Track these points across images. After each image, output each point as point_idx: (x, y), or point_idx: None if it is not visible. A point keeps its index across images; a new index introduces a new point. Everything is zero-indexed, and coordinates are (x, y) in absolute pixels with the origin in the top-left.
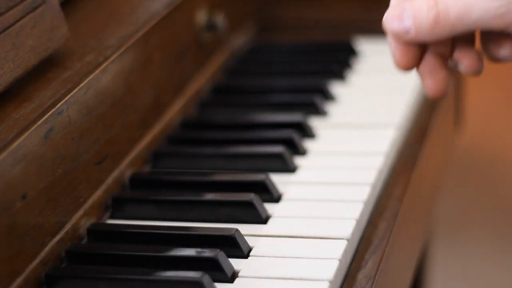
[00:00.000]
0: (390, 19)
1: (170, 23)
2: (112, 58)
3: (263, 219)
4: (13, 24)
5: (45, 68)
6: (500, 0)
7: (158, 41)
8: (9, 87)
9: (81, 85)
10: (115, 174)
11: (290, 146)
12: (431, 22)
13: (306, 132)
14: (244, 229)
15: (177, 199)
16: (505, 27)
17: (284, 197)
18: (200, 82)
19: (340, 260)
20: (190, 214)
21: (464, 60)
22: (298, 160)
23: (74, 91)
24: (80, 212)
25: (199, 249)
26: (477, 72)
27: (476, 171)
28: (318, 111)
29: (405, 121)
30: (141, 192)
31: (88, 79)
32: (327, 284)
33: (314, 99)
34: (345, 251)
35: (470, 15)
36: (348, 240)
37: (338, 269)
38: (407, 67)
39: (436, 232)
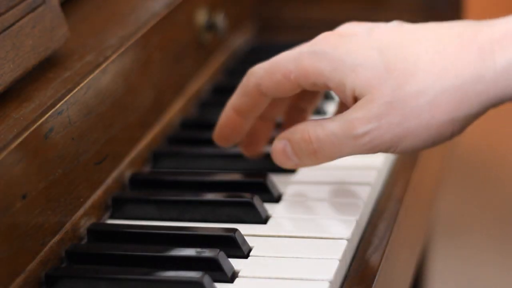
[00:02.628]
0: (277, 157)
1: (170, 23)
2: (112, 58)
3: (263, 219)
4: (13, 24)
5: (45, 68)
6: (363, 138)
7: (158, 41)
8: (9, 87)
9: (81, 85)
10: (115, 174)
11: None
12: (312, 157)
13: None
14: (244, 229)
15: (177, 199)
16: (374, 153)
17: (284, 197)
18: (200, 82)
19: (340, 260)
20: (190, 214)
21: None
22: None
23: (74, 91)
24: (80, 212)
25: (199, 249)
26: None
27: (476, 171)
28: (318, 111)
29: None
30: (141, 192)
31: (88, 79)
32: (327, 284)
33: None
34: (345, 251)
35: (342, 152)
36: (348, 240)
37: (338, 269)
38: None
39: (436, 232)
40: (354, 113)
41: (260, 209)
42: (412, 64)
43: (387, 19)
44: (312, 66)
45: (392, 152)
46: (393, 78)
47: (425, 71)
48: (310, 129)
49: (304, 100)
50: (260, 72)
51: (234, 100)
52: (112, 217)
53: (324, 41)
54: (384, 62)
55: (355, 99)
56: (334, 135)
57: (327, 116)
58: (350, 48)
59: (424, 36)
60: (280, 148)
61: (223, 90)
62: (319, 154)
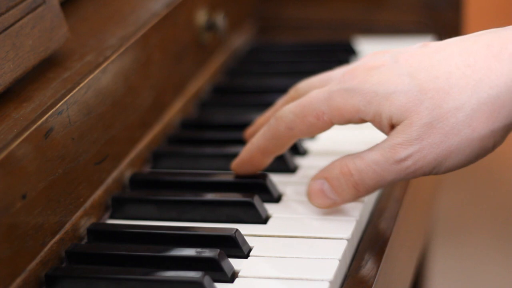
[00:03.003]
0: (314, 198)
1: (170, 23)
2: (112, 58)
3: (263, 219)
4: (13, 24)
5: (45, 68)
6: (405, 162)
7: (158, 41)
8: (9, 87)
9: (81, 85)
10: (115, 174)
11: None
12: (353, 191)
13: None
14: (244, 229)
15: (177, 199)
16: (418, 176)
17: (284, 197)
18: (200, 82)
19: (340, 260)
20: (190, 214)
21: None
22: (298, 160)
23: (74, 91)
24: (80, 212)
25: (199, 249)
26: None
27: (476, 171)
28: None
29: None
30: (141, 192)
31: (88, 79)
32: (327, 284)
33: None
34: (345, 251)
35: (385, 180)
36: (348, 240)
37: (338, 269)
38: None
39: (436, 232)
40: (394, 139)
41: (260, 209)
42: (445, 82)
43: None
44: (345, 104)
45: (437, 172)
46: (428, 99)
47: (459, 86)
48: (348, 162)
49: None
50: (290, 117)
51: (261, 142)
52: (112, 217)
53: (352, 76)
54: (416, 85)
55: (393, 127)
56: (376, 163)
57: None
58: (381, 79)
59: (452, 52)
60: (317, 188)
61: (223, 90)
62: (360, 186)
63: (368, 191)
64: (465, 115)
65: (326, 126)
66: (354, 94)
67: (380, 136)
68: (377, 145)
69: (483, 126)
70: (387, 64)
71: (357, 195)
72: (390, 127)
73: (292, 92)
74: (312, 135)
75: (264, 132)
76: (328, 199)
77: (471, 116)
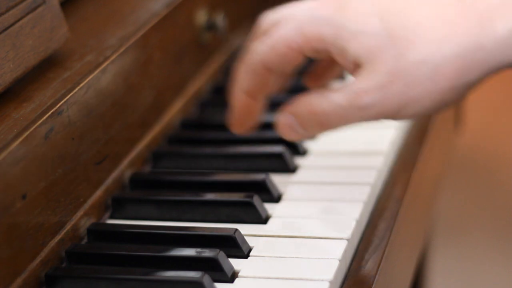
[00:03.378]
0: (284, 131)
1: (170, 23)
2: (112, 58)
3: (263, 219)
4: (13, 24)
5: (45, 68)
6: (368, 108)
7: (158, 41)
8: (9, 87)
9: (81, 85)
10: (115, 174)
11: (290, 146)
12: (319, 127)
13: None
14: (244, 229)
15: (177, 199)
16: (380, 120)
17: (284, 197)
18: (200, 82)
19: (340, 260)
20: (190, 214)
21: None
22: (298, 160)
23: (74, 91)
24: (80, 212)
25: (199, 249)
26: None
27: (476, 171)
28: None
29: (405, 121)
30: (141, 192)
31: (88, 79)
32: (327, 284)
33: None
34: (345, 251)
35: (349, 121)
36: (348, 240)
37: (338, 269)
38: None
39: (436, 232)
40: (358, 84)
41: (260, 209)
42: (413, 32)
43: None
44: (313, 32)
45: (396, 119)
46: (394, 47)
47: (426, 39)
48: (314, 101)
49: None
50: (263, 48)
51: (242, 82)
52: (112, 217)
53: (323, 5)
54: (385, 29)
55: (357, 66)
56: (340, 107)
57: None
58: (351, 14)
59: (422, 1)
60: (285, 122)
61: (223, 90)
62: (326, 125)
63: (334, 128)
64: (429, 69)
65: (297, 56)
66: (324, 24)
67: (378, 135)
68: (342, 86)
69: (445, 81)
70: None
71: (324, 130)
72: (354, 66)
73: (260, 25)
74: (286, 68)
75: (242, 71)
76: (296, 133)
77: (434, 71)
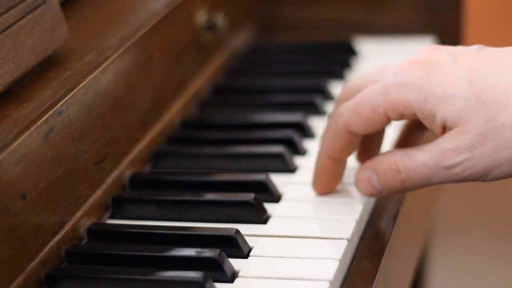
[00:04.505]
0: (361, 187)
1: (170, 23)
2: (112, 58)
3: (263, 219)
4: (13, 24)
5: (45, 68)
6: (455, 168)
7: (158, 41)
8: (9, 87)
9: (81, 85)
10: (115, 174)
11: (290, 146)
12: (399, 186)
13: (306, 132)
14: (244, 229)
15: (177, 199)
16: (465, 181)
17: (284, 197)
18: (200, 82)
19: (340, 260)
20: (190, 214)
21: None
22: (298, 160)
23: (74, 91)
24: (80, 212)
25: (199, 249)
26: None
27: None
28: (318, 111)
29: (405, 121)
30: (141, 192)
31: (88, 79)
32: (327, 284)
33: (314, 99)
34: (345, 251)
35: (432, 181)
36: (348, 240)
37: (338, 269)
38: None
39: (436, 232)
40: (446, 144)
41: (260, 209)
42: (503, 94)
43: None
44: (401, 98)
45: (484, 180)
46: (485, 110)
47: None
48: (397, 159)
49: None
50: (347, 112)
51: (326, 146)
52: (112, 217)
53: (409, 70)
54: (475, 93)
55: (445, 129)
56: (425, 166)
57: (327, 116)
58: (439, 79)
59: (511, 64)
60: (365, 178)
61: (223, 90)
62: (407, 183)
63: (414, 188)
64: None
65: (382, 120)
66: (410, 89)
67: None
68: (427, 146)
69: None
70: (446, 62)
71: (403, 190)
72: (442, 129)
73: (344, 90)
74: (369, 131)
75: (325, 134)
76: (375, 189)
77: None
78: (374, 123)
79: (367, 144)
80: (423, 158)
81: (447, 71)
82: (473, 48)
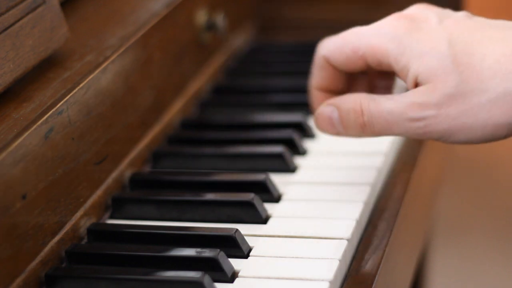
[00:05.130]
0: (321, 122)
1: (170, 23)
2: (112, 58)
3: (263, 219)
4: (13, 24)
5: (45, 68)
6: (418, 122)
7: (158, 41)
8: (9, 87)
9: (81, 85)
10: (115, 174)
11: (290, 146)
12: (358, 129)
13: (306, 132)
14: (244, 229)
15: (177, 199)
16: (424, 138)
17: (284, 197)
18: (200, 82)
19: (340, 260)
20: (190, 214)
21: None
22: (298, 160)
23: (74, 91)
24: (80, 212)
25: (199, 249)
26: None
27: (476, 171)
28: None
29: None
30: (141, 192)
31: (88, 79)
32: (327, 284)
33: None
34: (345, 251)
35: (392, 130)
36: (348, 240)
37: (338, 269)
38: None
39: (436, 232)
40: (414, 97)
41: (260, 209)
42: (479, 61)
43: None
44: (380, 46)
45: (443, 141)
46: (458, 72)
47: (491, 70)
48: (363, 101)
49: (381, 79)
50: (330, 46)
51: (313, 79)
52: (112, 217)
53: (395, 23)
54: (452, 54)
55: (416, 85)
56: (389, 113)
57: None
58: (421, 35)
59: (492, 36)
60: (326, 114)
61: (223, 90)
62: (367, 128)
63: (372, 135)
64: (488, 100)
65: (360, 62)
66: (390, 40)
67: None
68: (396, 96)
69: (502, 115)
70: (431, 21)
71: (362, 135)
72: (413, 85)
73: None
74: (348, 70)
75: (313, 68)
76: (333, 128)
77: (493, 102)
78: (352, 63)
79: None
80: (389, 106)
81: (429, 30)
82: (461, 14)
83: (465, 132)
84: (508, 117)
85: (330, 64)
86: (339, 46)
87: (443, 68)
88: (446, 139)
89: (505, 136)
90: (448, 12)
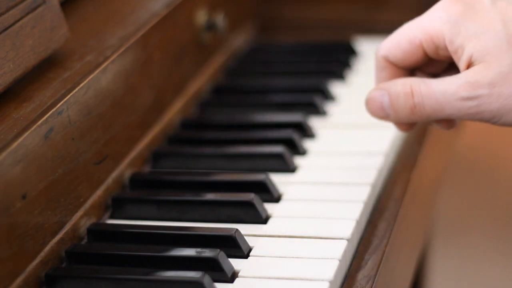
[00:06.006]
0: (371, 105)
1: (170, 23)
2: (112, 58)
3: (263, 219)
4: (13, 24)
5: (45, 68)
6: (471, 101)
7: (158, 41)
8: (9, 87)
9: (81, 85)
10: (115, 174)
11: (290, 146)
12: (408, 112)
13: (306, 132)
14: (244, 229)
15: (177, 199)
16: (475, 119)
17: (284, 197)
18: (200, 82)
19: (340, 260)
20: (190, 214)
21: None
22: (298, 160)
23: (74, 91)
24: (80, 212)
25: (199, 249)
26: (452, 128)
27: (476, 171)
28: (318, 111)
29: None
30: (141, 192)
31: (88, 79)
32: (327, 284)
33: (314, 99)
34: (345, 251)
35: (443, 111)
36: (348, 240)
37: (338, 269)
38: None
39: (436, 232)
40: (467, 77)
41: (260, 209)
42: None
43: (387, 19)
44: (435, 28)
45: (494, 122)
46: None
47: None
48: (413, 83)
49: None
50: (387, 45)
51: (376, 80)
52: (112, 217)
53: (449, 6)
54: (506, 34)
55: (470, 65)
56: (441, 93)
57: (327, 116)
58: (475, 16)
59: None
60: (377, 96)
61: (223, 90)
62: (417, 110)
63: (422, 117)
64: None
65: (418, 52)
66: (445, 22)
67: (378, 134)
68: (448, 78)
69: None
70: (486, 3)
71: (411, 117)
72: (467, 65)
73: None
74: (408, 64)
75: (375, 68)
76: (383, 111)
77: None
78: (411, 55)
79: None
80: (441, 86)
81: (483, 11)
82: None
83: None
84: None
85: (390, 63)
86: (396, 42)
87: (499, 47)
88: (497, 120)
89: None
90: None
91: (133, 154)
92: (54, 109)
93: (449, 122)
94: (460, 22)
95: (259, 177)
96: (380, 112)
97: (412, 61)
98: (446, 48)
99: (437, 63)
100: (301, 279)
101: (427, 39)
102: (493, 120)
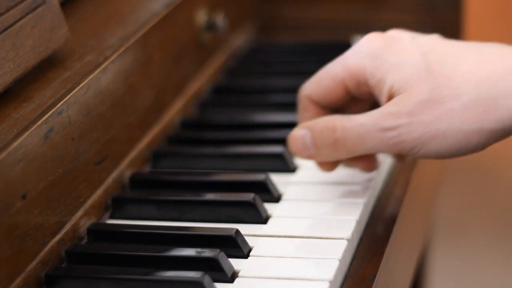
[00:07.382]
0: (293, 144)
1: (170, 23)
2: (112, 58)
3: (263, 219)
4: (13, 24)
5: (45, 68)
6: (391, 131)
7: (158, 41)
8: (9, 87)
9: (81, 85)
10: (115, 174)
11: None
12: (331, 147)
13: None
14: (244, 229)
15: (177, 199)
16: (398, 152)
17: (284, 197)
18: (200, 82)
19: (340, 260)
20: (190, 214)
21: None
22: (298, 160)
23: (74, 91)
24: (80, 212)
25: (199, 249)
26: (372, 169)
27: (476, 171)
28: None
29: None
30: (141, 192)
31: (88, 79)
32: (327, 284)
33: None
34: (345, 251)
35: (364, 144)
36: (348, 240)
37: (338, 269)
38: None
39: (436, 232)
40: (387, 108)
41: (260, 209)
42: (452, 70)
43: (387, 19)
44: (356, 64)
45: (415, 153)
46: (432, 79)
47: (463, 77)
48: (336, 119)
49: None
50: (310, 84)
51: (300, 120)
52: (112, 217)
53: (369, 42)
54: (425, 63)
55: (391, 97)
56: (361, 125)
57: None
58: (395, 49)
59: (465, 48)
60: (299, 135)
61: (223, 90)
62: (339, 145)
63: (344, 152)
64: (461, 105)
65: (341, 89)
66: (366, 56)
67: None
68: (369, 112)
69: (474, 121)
70: (405, 38)
71: (334, 154)
72: (388, 97)
73: None
74: (331, 102)
75: (298, 112)
76: (306, 149)
77: (466, 107)
78: (333, 92)
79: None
80: (362, 119)
81: (403, 44)
82: (434, 35)
83: (438, 141)
84: (480, 123)
85: (313, 103)
86: (318, 80)
87: (417, 76)
88: (418, 150)
89: (475, 147)
90: (420, 35)
91: (133, 154)
92: (54, 109)
93: (369, 161)
94: (381, 55)
95: (259, 177)
96: (302, 150)
97: (334, 98)
98: (367, 83)
99: (360, 103)
100: (301, 279)
101: (349, 74)
102: (414, 150)
